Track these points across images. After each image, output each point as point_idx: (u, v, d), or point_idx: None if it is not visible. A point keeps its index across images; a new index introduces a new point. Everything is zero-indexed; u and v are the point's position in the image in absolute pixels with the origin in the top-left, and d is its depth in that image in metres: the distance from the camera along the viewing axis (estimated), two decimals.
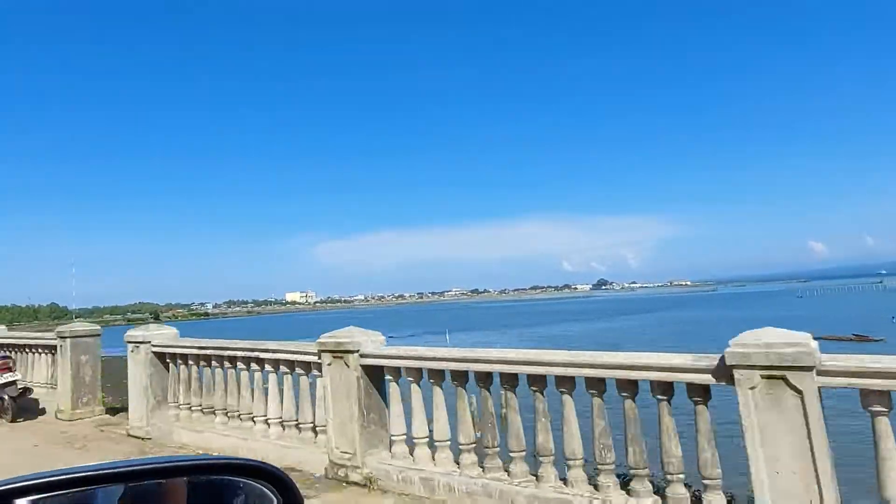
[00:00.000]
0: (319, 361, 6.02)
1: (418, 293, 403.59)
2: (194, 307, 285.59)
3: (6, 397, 8.99)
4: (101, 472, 1.13)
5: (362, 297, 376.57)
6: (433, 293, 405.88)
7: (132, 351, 7.73)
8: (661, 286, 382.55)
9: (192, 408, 7.39)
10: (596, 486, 4.44)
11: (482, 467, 5.06)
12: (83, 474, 1.11)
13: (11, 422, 8.83)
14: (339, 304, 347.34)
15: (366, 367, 5.77)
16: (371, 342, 5.84)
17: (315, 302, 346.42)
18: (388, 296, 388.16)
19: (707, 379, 3.95)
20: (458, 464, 5.23)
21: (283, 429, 6.48)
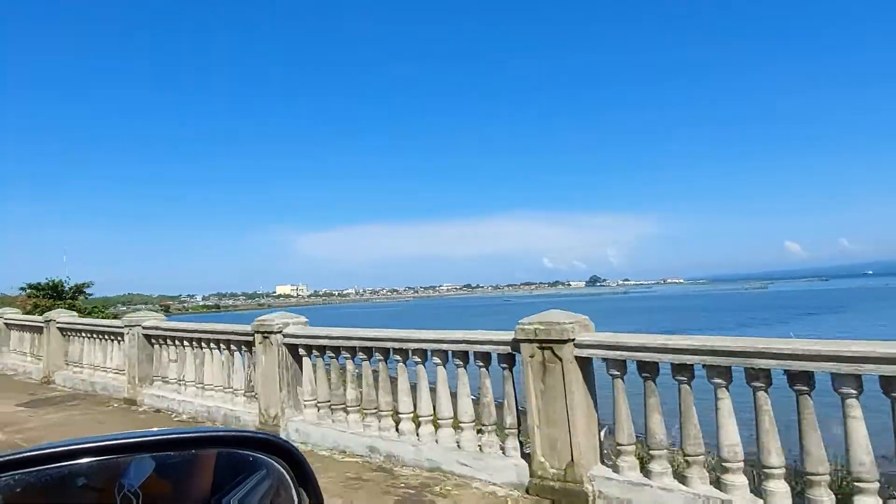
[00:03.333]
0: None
1: (410, 288, 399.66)
2: (183, 299, 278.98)
3: None
4: (99, 444, 1.14)
5: (354, 291, 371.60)
6: (425, 288, 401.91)
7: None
8: (655, 284, 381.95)
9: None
10: None
11: None
12: (104, 443, 1.14)
13: None
14: (333, 297, 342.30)
15: None
16: None
17: (308, 295, 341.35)
18: (383, 290, 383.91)
19: None
20: None
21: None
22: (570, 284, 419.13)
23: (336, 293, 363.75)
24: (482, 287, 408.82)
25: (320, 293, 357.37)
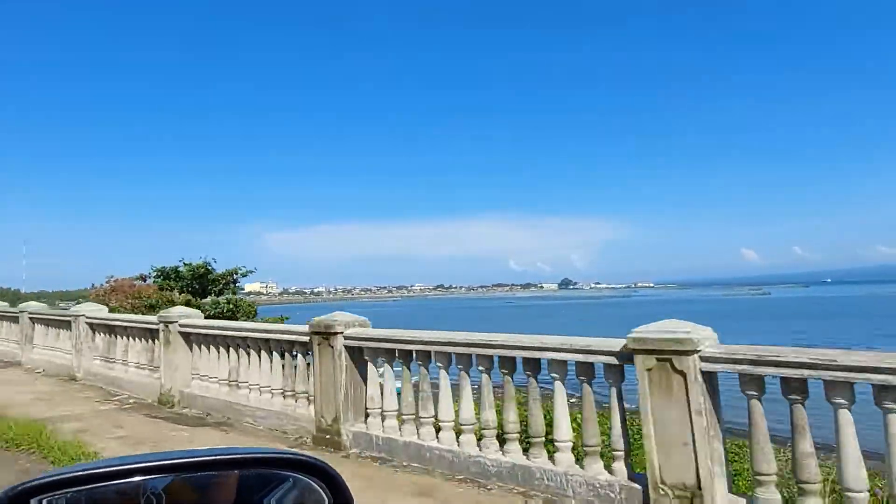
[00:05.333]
0: None
1: (383, 287, 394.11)
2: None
3: None
4: (148, 463, 1.19)
5: (325, 290, 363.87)
6: (398, 287, 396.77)
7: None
8: (627, 287, 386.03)
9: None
10: None
11: None
12: (132, 465, 1.17)
13: None
14: (306, 295, 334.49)
15: None
16: None
17: (279, 293, 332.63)
18: (356, 289, 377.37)
19: None
20: None
21: None
22: (542, 287, 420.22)
23: (307, 291, 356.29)
24: (456, 288, 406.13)
25: (291, 291, 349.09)
